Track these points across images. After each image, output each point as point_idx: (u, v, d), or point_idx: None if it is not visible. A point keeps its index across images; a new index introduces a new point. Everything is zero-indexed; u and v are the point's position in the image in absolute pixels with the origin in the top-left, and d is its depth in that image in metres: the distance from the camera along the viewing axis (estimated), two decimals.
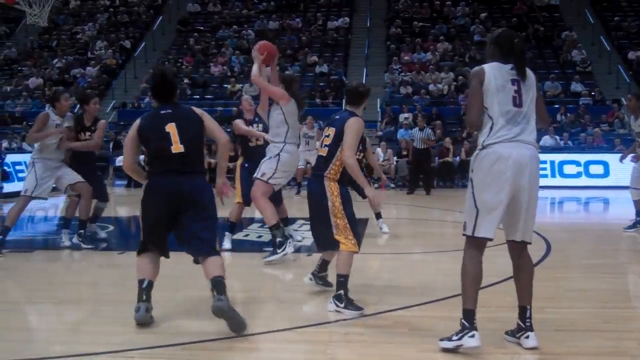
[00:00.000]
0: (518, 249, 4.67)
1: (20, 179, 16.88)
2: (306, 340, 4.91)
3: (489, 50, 4.71)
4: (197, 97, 25.37)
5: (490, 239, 4.53)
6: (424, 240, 10.19)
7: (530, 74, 4.59)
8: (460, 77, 24.51)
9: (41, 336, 4.94)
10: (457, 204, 14.42)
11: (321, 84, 25.19)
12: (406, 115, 22.00)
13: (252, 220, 11.27)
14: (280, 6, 30.92)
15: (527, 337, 4.55)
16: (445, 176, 19.07)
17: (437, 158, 18.98)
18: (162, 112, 5.31)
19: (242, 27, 29.03)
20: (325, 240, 5.77)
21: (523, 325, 4.57)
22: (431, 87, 24.46)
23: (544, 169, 18.96)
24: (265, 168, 7.73)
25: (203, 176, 5.40)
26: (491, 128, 4.47)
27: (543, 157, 18.93)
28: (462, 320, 4.49)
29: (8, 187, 16.18)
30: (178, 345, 4.67)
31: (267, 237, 9.47)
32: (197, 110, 5.44)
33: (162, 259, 5.35)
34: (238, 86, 25.16)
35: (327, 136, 5.75)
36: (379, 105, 23.79)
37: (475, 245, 4.57)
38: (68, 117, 9.19)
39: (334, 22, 29.29)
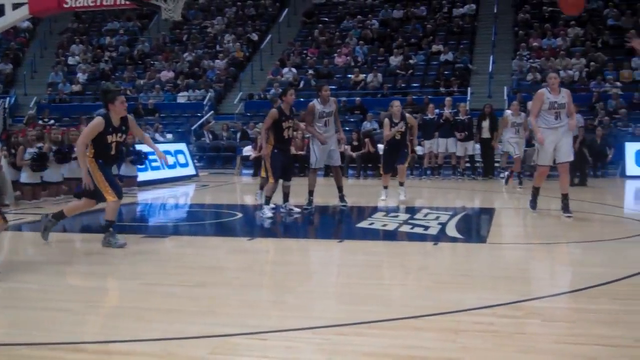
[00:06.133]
0: None
1: (154, 169, 17.43)
2: (434, 328, 4.80)
3: None
4: None
5: None
6: (554, 230, 9.82)
7: None
8: (592, 63, 23.52)
9: (177, 317, 5.08)
10: (585, 194, 13.86)
11: (446, 72, 24.80)
12: None
13: (375, 210, 11.30)
14: None
15: None
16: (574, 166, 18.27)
17: None
18: None
19: (366, 17, 29.00)
20: None
21: None
22: (561, 73, 23.59)
23: None
24: None
25: None
26: None
27: None
28: None
29: (143, 177, 16.52)
30: (310, 329, 4.72)
31: (391, 225, 9.44)
32: None
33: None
34: (362, 76, 25.17)
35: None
36: (505, 93, 23.17)
37: None
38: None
39: (460, 9, 28.71)
